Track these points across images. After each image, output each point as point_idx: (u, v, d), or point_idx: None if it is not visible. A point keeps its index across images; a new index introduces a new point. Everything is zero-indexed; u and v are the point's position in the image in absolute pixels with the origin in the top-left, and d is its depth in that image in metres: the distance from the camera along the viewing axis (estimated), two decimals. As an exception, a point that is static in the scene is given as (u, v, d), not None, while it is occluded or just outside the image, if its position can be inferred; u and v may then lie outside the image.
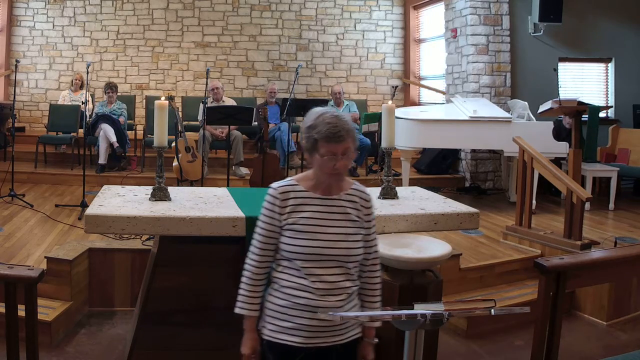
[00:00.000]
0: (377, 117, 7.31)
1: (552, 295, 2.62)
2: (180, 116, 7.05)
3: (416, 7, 9.48)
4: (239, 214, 2.77)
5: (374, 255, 2.12)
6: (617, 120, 7.82)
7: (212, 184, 6.25)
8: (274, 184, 2.06)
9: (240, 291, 2.06)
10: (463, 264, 4.44)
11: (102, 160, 7.11)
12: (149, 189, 3.10)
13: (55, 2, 9.03)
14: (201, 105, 7.07)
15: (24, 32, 9.00)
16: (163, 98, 3.17)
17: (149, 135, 7.25)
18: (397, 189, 3.46)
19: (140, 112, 8.53)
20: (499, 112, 6.63)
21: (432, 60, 9.19)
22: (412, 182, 6.37)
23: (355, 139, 2.00)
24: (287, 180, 2.08)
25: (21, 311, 2.27)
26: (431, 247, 2.98)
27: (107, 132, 7.07)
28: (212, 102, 7.34)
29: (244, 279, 2.06)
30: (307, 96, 9.28)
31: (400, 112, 6.46)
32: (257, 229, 2.06)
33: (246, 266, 2.07)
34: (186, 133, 6.67)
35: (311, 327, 1.97)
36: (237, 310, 2.06)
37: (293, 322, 1.98)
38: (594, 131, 5.19)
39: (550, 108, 5.38)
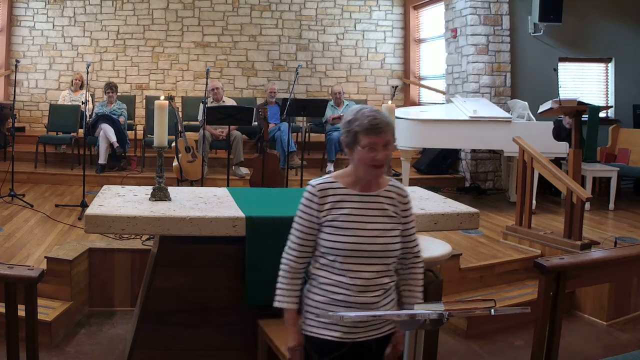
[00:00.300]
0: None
1: (552, 295, 2.62)
2: (180, 116, 7.05)
3: (416, 7, 9.48)
4: (239, 214, 2.77)
5: (415, 250, 2.15)
6: (617, 120, 7.82)
7: (212, 184, 6.25)
8: (313, 181, 2.09)
9: (279, 285, 2.09)
10: (463, 264, 4.44)
11: (102, 160, 7.11)
12: (149, 189, 3.10)
13: (55, 2, 9.03)
14: (201, 105, 7.07)
15: (24, 32, 9.00)
16: (162, 98, 3.17)
17: (149, 135, 7.25)
18: (397, 189, 3.46)
19: (140, 112, 8.53)
20: (499, 112, 6.63)
21: (432, 60, 9.19)
22: (412, 182, 6.37)
23: (394, 134, 2.03)
24: (325, 178, 2.10)
25: (21, 311, 2.26)
26: (431, 247, 2.99)
27: (107, 132, 7.07)
28: (212, 102, 7.34)
29: (282, 273, 2.09)
30: (307, 96, 9.27)
31: (400, 112, 6.46)
32: (295, 225, 2.09)
33: (284, 260, 2.10)
34: (186, 133, 6.67)
35: (349, 322, 1.98)
36: (276, 304, 2.08)
37: (329, 319, 2.01)
38: (594, 131, 5.19)
39: (550, 108, 5.38)
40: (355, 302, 1.99)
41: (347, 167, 2.11)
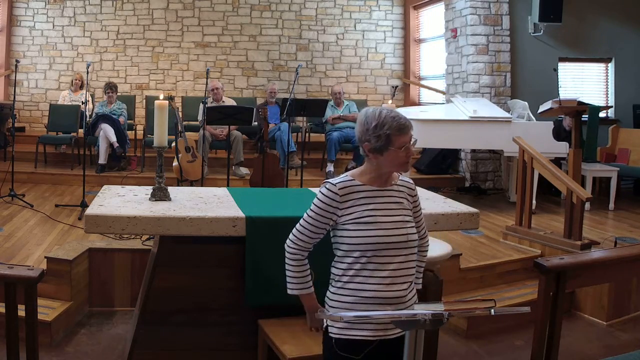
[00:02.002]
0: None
1: (552, 295, 2.62)
2: (180, 116, 7.05)
3: (416, 7, 9.48)
4: (239, 214, 2.77)
5: (423, 234, 2.27)
6: (617, 120, 7.82)
7: (212, 184, 6.25)
8: (332, 180, 2.12)
9: (288, 274, 2.13)
10: (463, 264, 4.44)
11: (102, 160, 7.11)
12: (149, 189, 3.10)
13: (55, 2, 9.03)
14: (201, 105, 7.07)
15: (24, 32, 9.00)
16: (162, 98, 3.17)
17: (149, 135, 7.25)
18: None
19: (140, 112, 8.53)
20: (499, 112, 6.63)
21: (432, 60, 9.19)
22: (412, 182, 6.36)
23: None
24: (344, 177, 2.13)
25: (21, 311, 2.26)
26: (431, 247, 2.97)
27: (107, 132, 7.07)
28: (212, 102, 7.34)
29: (289, 262, 2.13)
30: (307, 96, 9.27)
31: (400, 112, 6.45)
32: (308, 218, 2.10)
33: (290, 250, 2.12)
34: (186, 133, 6.67)
35: (379, 319, 2.00)
36: (289, 292, 2.14)
37: (362, 315, 2.01)
38: (594, 131, 5.19)
39: (550, 108, 5.38)
40: (385, 296, 2.03)
41: (357, 166, 2.26)
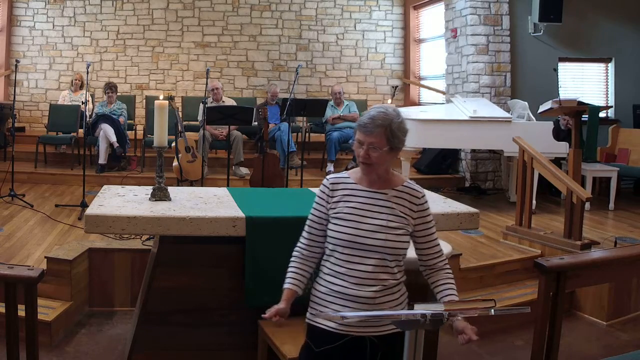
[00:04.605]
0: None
1: (552, 295, 2.62)
2: (180, 116, 7.05)
3: (416, 7, 9.48)
4: (239, 214, 2.77)
5: (436, 251, 2.14)
6: (617, 120, 7.82)
7: (212, 184, 6.25)
8: (329, 176, 2.19)
9: (288, 269, 2.17)
10: (463, 264, 4.44)
11: (102, 160, 7.11)
12: (149, 189, 3.10)
13: (55, 2, 9.03)
14: (201, 105, 7.07)
15: (24, 32, 9.01)
16: (162, 98, 3.17)
17: (149, 135, 7.25)
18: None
19: (140, 112, 8.53)
20: (499, 112, 6.63)
21: (432, 60, 9.19)
22: (412, 182, 6.36)
23: (393, 140, 2.04)
24: (341, 173, 2.20)
25: (21, 311, 2.26)
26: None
27: (107, 132, 7.07)
28: (212, 102, 7.34)
29: (292, 259, 2.17)
30: (307, 96, 9.27)
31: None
32: (309, 215, 2.18)
33: (296, 247, 2.19)
34: (186, 133, 6.67)
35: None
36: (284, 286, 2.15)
37: (329, 308, 2.06)
38: (594, 131, 5.19)
39: (550, 108, 5.38)
40: (352, 294, 2.02)
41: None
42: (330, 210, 2.11)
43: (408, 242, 2.11)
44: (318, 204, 2.15)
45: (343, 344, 2.05)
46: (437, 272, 2.15)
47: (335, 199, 2.11)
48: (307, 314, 2.15)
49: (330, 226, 2.10)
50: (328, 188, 2.14)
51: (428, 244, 2.14)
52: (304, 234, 2.18)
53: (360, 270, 2.02)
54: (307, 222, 2.18)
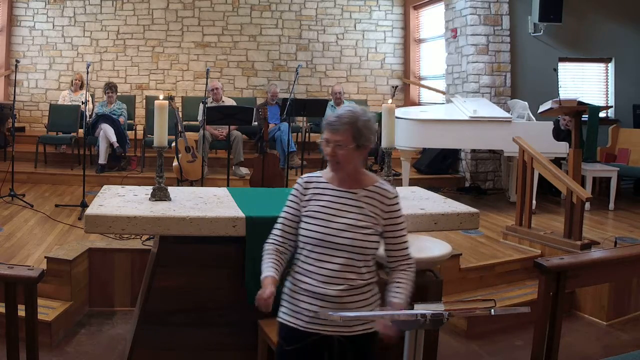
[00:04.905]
0: (377, 117, 7.30)
1: (552, 295, 2.62)
2: (180, 116, 7.05)
3: (416, 7, 9.48)
4: (239, 214, 2.77)
5: (402, 254, 2.12)
6: (617, 120, 7.82)
7: (212, 184, 6.25)
8: (303, 175, 2.23)
9: (264, 260, 2.17)
10: (463, 264, 4.44)
11: (102, 160, 7.11)
12: (149, 189, 3.10)
13: (55, 2, 9.03)
14: (201, 105, 7.07)
15: (24, 32, 9.00)
16: (162, 98, 3.17)
17: (149, 135, 7.25)
18: (397, 189, 3.46)
19: (140, 112, 8.53)
20: (499, 112, 6.63)
21: (432, 60, 9.19)
22: (412, 182, 6.37)
23: (359, 137, 2.06)
24: (315, 172, 2.22)
25: (21, 311, 2.26)
26: (431, 247, 2.99)
27: (107, 132, 7.07)
28: (212, 102, 7.34)
29: (265, 252, 2.18)
30: (307, 96, 9.27)
31: (400, 112, 6.46)
32: (281, 212, 2.20)
33: (267, 242, 2.20)
34: (186, 133, 6.67)
35: (311, 312, 2.04)
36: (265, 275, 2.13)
37: (297, 306, 2.09)
38: (593, 131, 5.19)
39: (550, 108, 5.38)
40: (319, 292, 2.04)
41: None
42: (302, 208, 2.13)
43: (377, 242, 2.10)
44: (291, 201, 2.17)
45: (313, 342, 2.06)
46: (396, 272, 2.13)
47: (307, 198, 2.14)
48: (279, 312, 2.16)
49: (301, 224, 2.12)
50: (301, 186, 2.17)
51: (396, 245, 2.12)
52: (276, 230, 2.19)
53: (327, 269, 2.04)
54: (279, 219, 2.19)
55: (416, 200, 3.38)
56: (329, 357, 2.08)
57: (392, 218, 2.11)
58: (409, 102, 9.52)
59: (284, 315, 2.14)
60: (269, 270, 2.12)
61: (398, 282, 2.09)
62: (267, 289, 2.04)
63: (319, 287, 2.04)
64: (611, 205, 6.46)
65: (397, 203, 2.13)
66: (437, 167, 7.82)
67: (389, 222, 2.10)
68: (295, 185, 2.20)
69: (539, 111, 5.71)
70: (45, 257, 4.02)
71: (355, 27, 9.61)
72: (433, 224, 3.06)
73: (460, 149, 7.71)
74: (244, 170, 7.21)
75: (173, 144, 6.35)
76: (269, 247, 2.18)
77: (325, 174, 2.18)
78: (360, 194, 2.10)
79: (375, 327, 2.02)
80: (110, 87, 7.59)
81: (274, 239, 2.19)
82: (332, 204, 2.09)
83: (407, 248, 2.14)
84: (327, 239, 2.05)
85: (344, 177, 2.12)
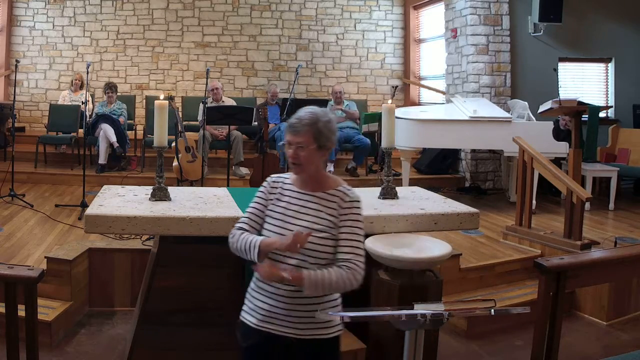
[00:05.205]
0: (377, 117, 7.31)
1: (552, 295, 2.62)
2: (180, 116, 7.05)
3: (416, 7, 9.48)
4: (239, 214, 2.77)
5: (344, 259, 2.02)
6: (617, 120, 7.82)
7: (212, 184, 6.25)
8: (273, 175, 2.23)
9: (239, 243, 2.11)
10: (463, 264, 4.44)
11: (102, 160, 7.11)
12: (149, 189, 3.10)
13: (55, 2, 9.03)
14: (201, 105, 7.07)
15: (24, 32, 9.00)
16: (162, 98, 3.17)
17: (149, 135, 7.25)
18: (397, 189, 3.46)
19: (140, 112, 8.53)
20: (499, 112, 6.63)
21: (432, 60, 9.19)
22: (412, 182, 6.37)
23: (320, 138, 2.05)
24: (285, 174, 2.23)
25: (21, 311, 2.27)
26: (431, 247, 2.98)
27: (107, 132, 7.07)
28: (212, 102, 7.34)
29: (237, 233, 2.13)
30: (307, 96, 9.27)
31: (400, 112, 6.46)
32: (248, 208, 2.20)
33: (235, 228, 2.17)
34: (186, 133, 6.67)
35: (264, 310, 2.07)
36: (255, 259, 2.06)
37: (253, 303, 2.12)
38: (594, 131, 5.19)
39: (550, 108, 5.38)
40: (270, 291, 2.06)
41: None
42: (266, 209, 2.15)
43: (332, 246, 2.05)
44: (258, 197, 2.18)
45: (266, 341, 2.07)
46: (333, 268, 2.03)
47: (271, 198, 2.16)
48: (242, 311, 2.19)
49: (264, 224, 2.14)
50: (269, 185, 2.19)
51: (340, 248, 2.04)
52: (241, 224, 2.15)
53: (281, 269, 2.03)
54: (245, 214, 2.18)
55: (416, 200, 3.39)
56: (280, 356, 2.08)
57: (344, 221, 2.06)
58: (409, 102, 9.52)
59: (243, 312, 2.16)
60: (256, 238, 2.07)
61: (328, 271, 1.98)
62: (284, 241, 1.98)
63: (272, 285, 2.06)
64: (611, 205, 6.47)
65: (354, 207, 2.08)
66: (437, 167, 7.82)
67: (341, 224, 2.06)
68: (264, 183, 2.21)
69: (539, 111, 5.71)
70: (45, 257, 4.02)
71: (355, 27, 9.61)
72: (433, 224, 3.06)
73: (460, 149, 7.71)
74: (244, 170, 7.21)
75: (173, 144, 6.35)
76: (239, 230, 2.13)
77: (292, 175, 2.19)
78: (320, 197, 2.10)
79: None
80: (110, 87, 7.59)
81: (242, 225, 2.15)
82: (291, 206, 2.10)
83: (350, 253, 2.02)
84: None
85: (306, 180, 2.12)
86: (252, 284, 2.16)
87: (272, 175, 2.23)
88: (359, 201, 2.11)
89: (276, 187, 2.17)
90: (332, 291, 2.03)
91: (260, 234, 2.13)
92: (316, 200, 2.09)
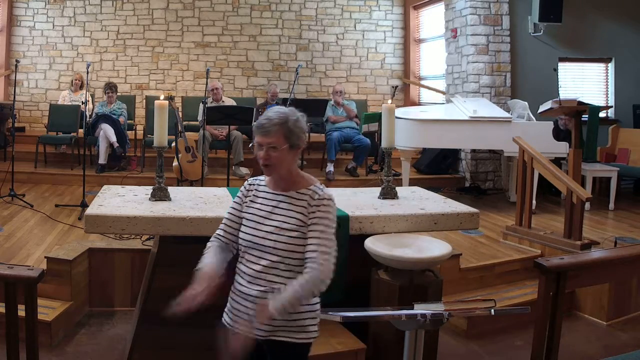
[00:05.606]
0: (377, 117, 7.31)
1: (552, 295, 2.62)
2: (180, 116, 7.05)
3: (416, 7, 9.48)
4: (239, 214, 2.76)
5: (309, 257, 2.00)
6: (617, 120, 7.82)
7: (212, 184, 6.25)
8: (250, 178, 2.26)
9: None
10: (463, 264, 4.44)
11: (102, 160, 7.11)
12: (149, 189, 3.10)
13: (55, 2, 9.03)
14: (201, 105, 7.07)
15: (24, 32, 9.00)
16: (162, 97, 3.17)
17: (149, 135, 7.25)
18: (397, 189, 3.47)
19: (140, 112, 8.53)
20: (499, 112, 6.63)
21: (432, 60, 9.19)
22: (412, 182, 6.37)
23: (291, 137, 2.05)
24: (261, 176, 2.22)
25: (21, 311, 2.27)
26: (431, 247, 2.98)
27: (107, 132, 7.07)
28: (212, 102, 7.34)
29: (207, 247, 2.20)
30: (307, 96, 9.28)
31: (400, 112, 6.46)
32: (226, 213, 2.23)
33: (211, 238, 2.23)
34: (186, 133, 6.67)
35: (236, 310, 2.10)
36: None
37: (230, 304, 2.15)
38: (594, 131, 5.19)
39: (550, 108, 5.38)
40: (243, 292, 2.08)
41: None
42: (242, 212, 2.16)
43: (303, 245, 2.03)
44: (235, 202, 2.20)
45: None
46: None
47: (246, 200, 2.17)
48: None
49: (241, 227, 2.15)
50: (245, 189, 2.20)
51: (308, 246, 2.01)
52: (219, 230, 2.20)
53: (252, 269, 2.06)
54: (223, 220, 2.21)
55: (416, 200, 3.39)
56: (252, 357, 2.05)
57: (312, 219, 2.04)
58: (409, 102, 9.52)
59: (224, 313, 2.19)
60: (203, 263, 2.11)
61: (291, 285, 1.97)
62: (192, 291, 2.03)
63: (244, 286, 2.07)
64: (611, 205, 6.47)
65: (322, 205, 2.05)
66: (437, 167, 7.82)
67: (310, 222, 2.04)
68: (241, 188, 2.23)
69: (539, 111, 5.71)
70: (45, 257, 4.02)
71: (355, 27, 9.61)
72: (433, 224, 3.07)
73: (460, 149, 7.71)
74: (244, 170, 7.21)
75: (173, 144, 6.35)
76: (212, 240, 2.20)
77: (267, 177, 2.20)
78: (292, 196, 2.09)
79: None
80: (110, 87, 7.59)
81: (218, 235, 2.20)
82: (264, 207, 2.11)
83: (315, 251, 1.99)
84: (256, 241, 2.07)
85: (278, 180, 2.13)
86: (233, 285, 2.18)
87: (249, 179, 2.24)
88: (329, 199, 2.08)
89: (251, 190, 2.19)
90: (306, 300, 1.99)
91: (237, 238, 2.16)
92: (287, 200, 2.09)
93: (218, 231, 2.21)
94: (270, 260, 2.03)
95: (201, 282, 2.04)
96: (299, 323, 2.03)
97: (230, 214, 2.19)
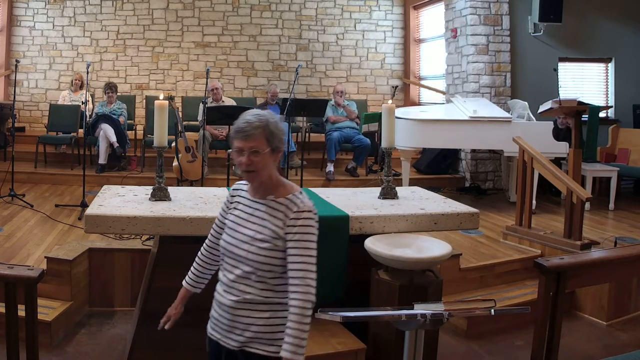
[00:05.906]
0: (377, 117, 7.31)
1: (552, 295, 2.62)
2: (180, 116, 7.05)
3: (416, 7, 9.48)
4: (239, 214, 2.76)
5: (293, 277, 1.91)
6: (617, 120, 7.82)
7: (212, 184, 6.25)
8: (235, 183, 2.22)
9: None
10: (463, 264, 4.44)
11: (102, 160, 7.11)
12: (149, 189, 3.10)
13: (55, 2, 9.03)
14: (201, 105, 7.07)
15: (24, 32, 9.00)
16: (162, 97, 3.17)
17: (149, 135, 7.25)
18: (397, 189, 3.47)
19: (140, 112, 8.53)
20: (499, 112, 6.63)
21: (432, 60, 9.19)
22: (412, 182, 6.37)
23: (272, 140, 1.97)
24: (243, 182, 2.15)
25: (21, 311, 2.27)
26: (431, 247, 2.98)
27: (107, 132, 7.07)
28: (211, 102, 7.34)
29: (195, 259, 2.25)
30: (307, 96, 9.28)
31: (400, 112, 6.46)
32: (215, 220, 2.21)
33: (200, 249, 2.25)
34: (186, 133, 6.67)
35: (214, 318, 2.08)
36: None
37: (211, 312, 2.13)
38: (594, 131, 5.19)
39: (550, 108, 5.38)
40: (219, 300, 2.06)
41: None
42: (226, 218, 2.13)
43: (277, 258, 1.95)
44: (222, 209, 2.18)
45: (217, 349, 2.06)
46: (290, 301, 1.93)
47: (232, 207, 2.12)
48: None
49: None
50: (229, 195, 2.16)
51: (289, 265, 1.93)
52: (207, 240, 2.23)
53: (227, 278, 2.03)
54: (213, 225, 2.21)
55: (416, 200, 3.39)
56: None
57: (291, 234, 1.93)
58: (409, 102, 9.52)
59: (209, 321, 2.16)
60: (188, 279, 2.23)
61: (287, 325, 1.89)
62: (171, 311, 2.18)
63: (220, 294, 2.04)
64: (611, 205, 6.47)
65: (302, 218, 1.94)
66: (437, 167, 7.82)
67: (288, 237, 1.94)
68: (226, 194, 2.20)
69: (539, 111, 5.71)
70: (45, 257, 4.02)
71: (355, 27, 9.61)
72: (433, 224, 3.07)
73: (460, 149, 7.71)
74: (244, 170, 7.20)
75: (173, 144, 6.36)
76: (198, 255, 2.24)
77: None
78: (269, 205, 2.00)
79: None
80: (110, 87, 7.59)
81: (205, 246, 2.23)
82: (242, 214, 2.05)
83: (300, 270, 1.90)
84: (231, 249, 2.02)
85: (258, 187, 2.03)
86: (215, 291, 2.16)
87: (234, 185, 2.19)
88: (310, 211, 1.96)
89: (235, 196, 2.13)
90: (306, 324, 1.89)
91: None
92: (264, 208, 2.00)
93: (207, 238, 2.22)
94: (243, 270, 1.97)
95: (181, 300, 2.19)
96: (272, 336, 1.95)
97: (217, 220, 2.18)
